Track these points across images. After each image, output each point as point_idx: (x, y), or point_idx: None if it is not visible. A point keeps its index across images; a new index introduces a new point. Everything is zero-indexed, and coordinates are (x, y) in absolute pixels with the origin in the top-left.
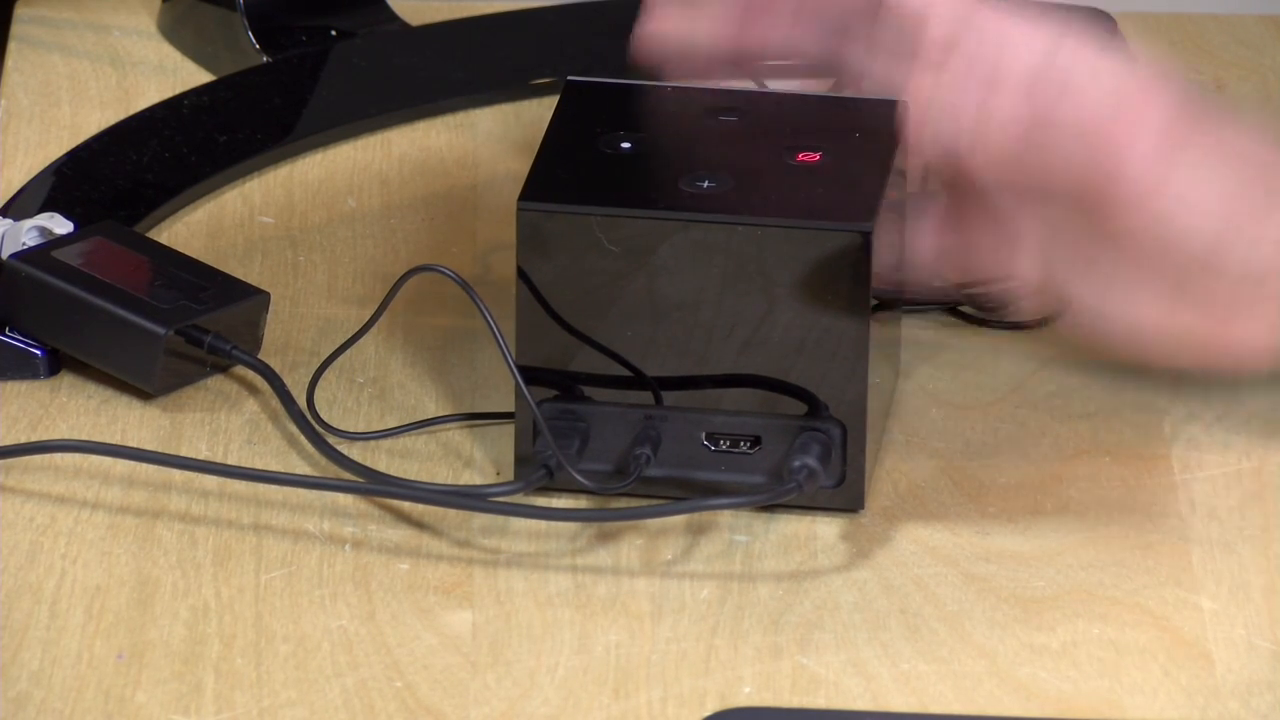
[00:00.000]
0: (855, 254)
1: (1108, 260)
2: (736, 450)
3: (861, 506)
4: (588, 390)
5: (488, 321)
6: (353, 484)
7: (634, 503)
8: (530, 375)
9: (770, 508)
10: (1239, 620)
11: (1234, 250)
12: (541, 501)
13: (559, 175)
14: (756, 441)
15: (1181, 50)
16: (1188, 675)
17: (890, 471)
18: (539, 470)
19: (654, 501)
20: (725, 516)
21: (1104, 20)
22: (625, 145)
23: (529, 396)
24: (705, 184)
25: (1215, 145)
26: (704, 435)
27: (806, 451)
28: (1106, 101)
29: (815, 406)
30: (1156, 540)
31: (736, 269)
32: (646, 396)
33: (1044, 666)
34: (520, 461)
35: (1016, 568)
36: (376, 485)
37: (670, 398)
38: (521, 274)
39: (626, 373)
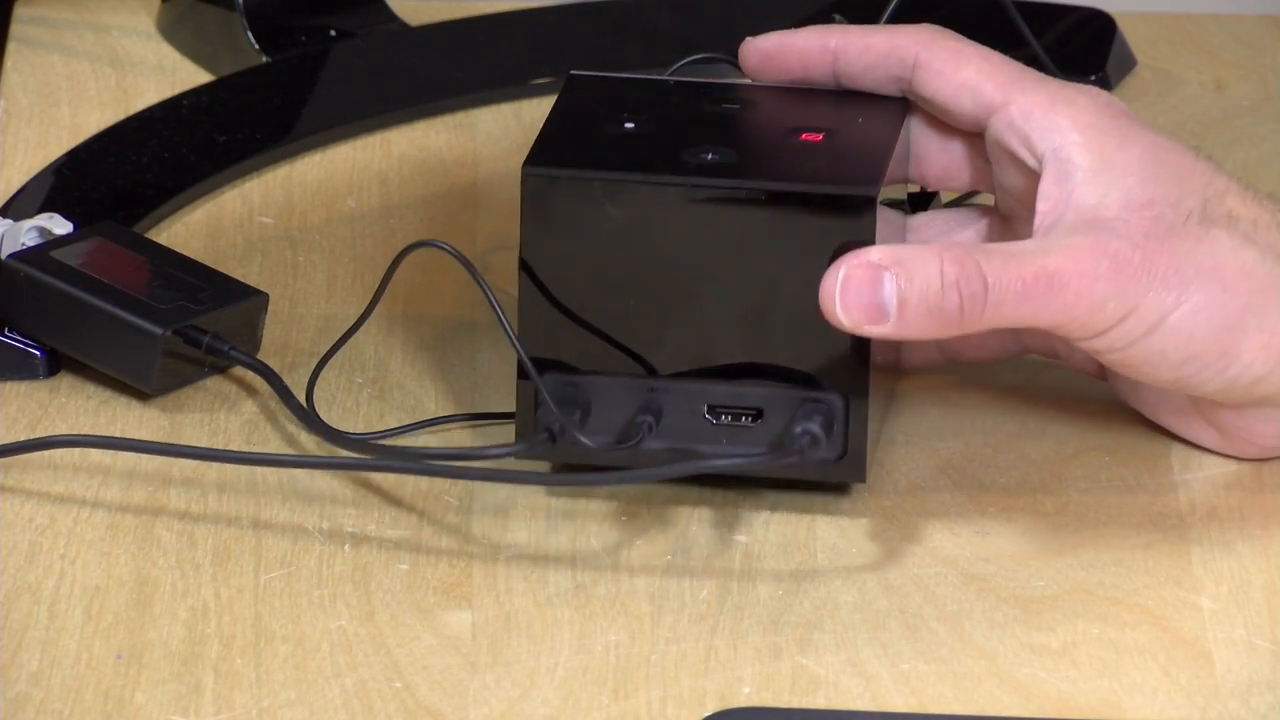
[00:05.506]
0: (860, 218)
1: None
2: (738, 423)
3: (864, 479)
4: (590, 362)
5: (486, 294)
6: (350, 460)
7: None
8: (533, 347)
9: (770, 507)
10: (1239, 620)
11: None
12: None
13: (564, 146)
14: (758, 414)
15: (1181, 50)
16: (1188, 675)
17: (890, 471)
18: (541, 433)
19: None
20: (725, 516)
21: (1103, 20)
22: (629, 125)
23: (530, 366)
24: (709, 156)
25: None
26: (705, 408)
27: (809, 419)
28: None
29: (817, 378)
30: (1156, 540)
31: (740, 237)
32: (648, 369)
33: (1044, 666)
34: (522, 431)
35: (1016, 568)
36: (378, 460)
37: (672, 369)
38: (525, 244)
39: (629, 345)
